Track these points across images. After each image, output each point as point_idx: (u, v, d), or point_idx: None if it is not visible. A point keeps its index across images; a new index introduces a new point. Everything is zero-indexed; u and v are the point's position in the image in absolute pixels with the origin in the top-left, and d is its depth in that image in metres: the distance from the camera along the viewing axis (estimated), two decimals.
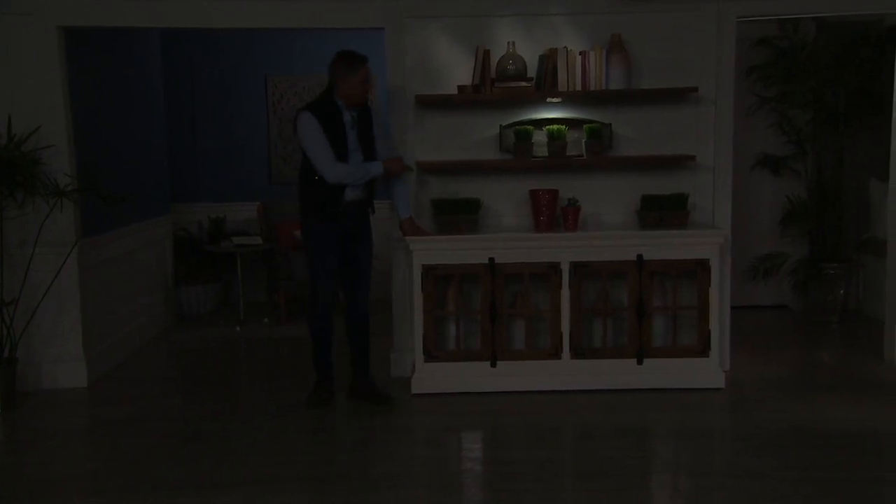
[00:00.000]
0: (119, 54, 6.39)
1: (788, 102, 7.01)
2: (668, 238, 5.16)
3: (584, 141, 5.38)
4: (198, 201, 8.12)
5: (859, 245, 7.09)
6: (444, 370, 5.21)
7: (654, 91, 5.30)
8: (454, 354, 5.27)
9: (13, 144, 5.12)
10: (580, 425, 4.75)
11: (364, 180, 4.89)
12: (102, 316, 5.85)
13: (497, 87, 5.25)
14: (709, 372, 5.20)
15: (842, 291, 6.95)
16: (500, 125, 5.41)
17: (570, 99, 5.35)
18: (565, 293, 5.15)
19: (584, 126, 5.37)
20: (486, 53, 5.23)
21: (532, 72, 5.30)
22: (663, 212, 5.25)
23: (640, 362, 5.19)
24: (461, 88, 5.28)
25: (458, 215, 5.26)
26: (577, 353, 5.19)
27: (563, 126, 5.37)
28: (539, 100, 5.36)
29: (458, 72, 5.37)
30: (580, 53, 5.24)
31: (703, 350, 5.19)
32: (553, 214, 5.26)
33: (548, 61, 5.23)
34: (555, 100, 5.37)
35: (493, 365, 5.19)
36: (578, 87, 5.25)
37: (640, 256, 5.13)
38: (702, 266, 5.15)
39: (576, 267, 5.14)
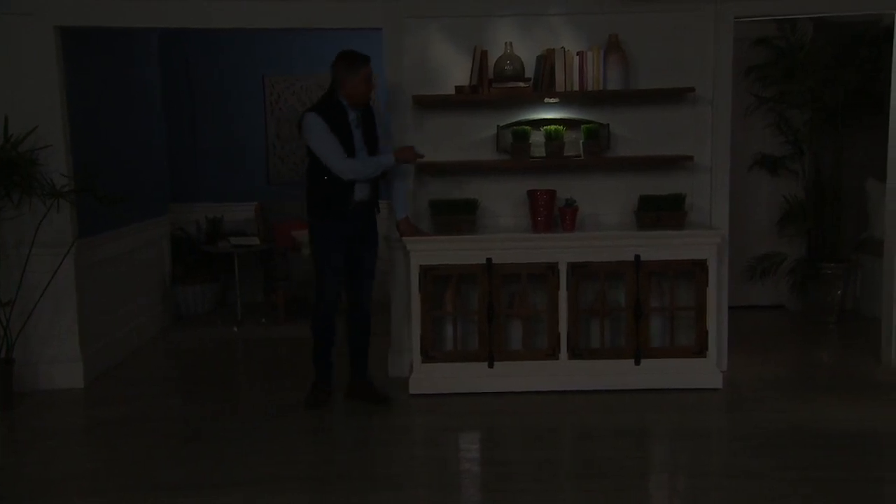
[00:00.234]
0: (117, 54, 6.38)
1: (786, 102, 7.01)
2: (666, 238, 5.16)
3: (581, 141, 5.38)
4: (196, 201, 8.12)
5: (857, 245, 7.09)
6: (441, 371, 5.21)
7: (652, 91, 5.30)
8: (452, 355, 5.27)
9: (10, 145, 5.11)
10: (578, 426, 4.75)
11: (377, 173, 4.91)
12: (99, 316, 5.85)
13: (495, 87, 5.25)
14: (706, 372, 5.20)
15: (839, 291, 6.95)
16: (498, 125, 5.41)
17: (567, 99, 5.35)
18: (563, 293, 5.15)
19: (582, 126, 5.37)
20: (484, 54, 5.23)
21: (530, 72, 5.30)
22: (661, 212, 5.25)
23: (637, 363, 5.19)
24: (459, 89, 5.28)
25: (456, 216, 5.26)
26: (575, 353, 5.19)
27: (561, 126, 5.36)
28: (537, 100, 5.36)
29: (455, 72, 5.37)
30: (578, 54, 5.24)
31: (700, 350, 5.19)
32: (551, 215, 5.26)
33: (545, 62, 5.22)
34: (552, 100, 5.37)
35: (491, 365, 5.19)
36: (576, 88, 5.25)
37: (637, 257, 5.13)
38: (699, 266, 5.15)
39: (573, 267, 5.14)
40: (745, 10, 5.34)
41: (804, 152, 7.10)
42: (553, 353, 5.19)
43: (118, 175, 6.15)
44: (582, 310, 5.24)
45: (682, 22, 5.36)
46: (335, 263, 4.94)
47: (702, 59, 5.36)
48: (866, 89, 6.68)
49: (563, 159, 5.37)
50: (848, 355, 6.12)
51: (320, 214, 4.93)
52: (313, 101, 7.45)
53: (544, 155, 5.38)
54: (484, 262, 5.13)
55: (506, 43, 5.29)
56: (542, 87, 5.25)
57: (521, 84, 5.25)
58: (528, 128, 5.37)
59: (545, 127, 5.38)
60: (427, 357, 5.20)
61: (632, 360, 5.19)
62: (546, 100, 5.36)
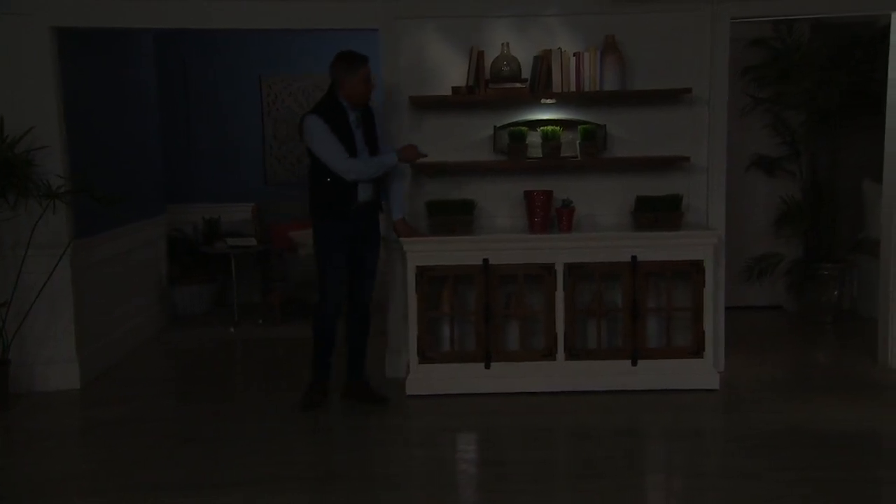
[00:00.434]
0: (113, 55, 6.37)
1: (783, 103, 7.01)
2: (663, 239, 5.16)
3: (578, 142, 5.38)
4: (192, 202, 8.10)
5: (853, 245, 7.09)
6: (438, 371, 5.20)
7: (649, 92, 5.30)
8: (448, 356, 5.27)
9: (6, 145, 5.10)
10: (575, 426, 4.75)
11: (380, 173, 4.92)
12: (96, 317, 5.83)
13: (491, 88, 5.25)
14: (703, 373, 5.20)
15: (836, 292, 6.96)
16: (495, 126, 5.41)
17: (564, 100, 5.35)
18: (559, 294, 5.14)
19: (579, 127, 5.37)
20: (481, 54, 5.23)
21: (526, 73, 5.29)
22: (657, 213, 5.25)
23: (634, 363, 5.19)
24: (455, 89, 5.27)
25: (453, 216, 5.25)
26: (572, 354, 5.19)
27: (558, 127, 5.36)
28: (533, 101, 5.36)
29: (452, 73, 5.36)
30: (574, 54, 5.24)
31: (697, 351, 5.19)
32: (547, 215, 5.26)
33: (542, 62, 5.22)
34: (549, 101, 5.36)
35: (488, 366, 5.18)
36: (573, 89, 5.25)
37: (634, 257, 5.13)
38: (696, 267, 5.15)
39: (570, 268, 5.14)
40: (741, 10, 5.34)
41: (801, 153, 7.10)
42: (550, 354, 5.19)
43: (114, 176, 6.14)
44: (579, 310, 5.24)
45: (679, 23, 5.36)
46: (338, 263, 4.94)
47: (698, 60, 5.36)
48: (862, 90, 6.68)
49: (560, 160, 5.36)
50: (845, 356, 6.12)
51: (323, 215, 4.93)
52: (310, 102, 7.50)
53: (541, 156, 5.38)
54: (481, 262, 5.13)
55: (502, 44, 5.28)
56: (539, 87, 5.24)
57: (518, 85, 5.25)
58: (524, 128, 5.37)
59: (542, 128, 5.38)
60: (424, 358, 5.20)
61: (628, 361, 5.19)
62: (543, 100, 5.36)
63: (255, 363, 6.34)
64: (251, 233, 7.67)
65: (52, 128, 5.31)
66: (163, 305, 7.31)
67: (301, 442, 4.60)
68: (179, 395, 5.61)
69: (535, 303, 5.28)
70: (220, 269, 7.78)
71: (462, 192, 5.45)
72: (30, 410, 5.14)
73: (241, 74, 8.12)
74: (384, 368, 5.60)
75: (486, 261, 5.13)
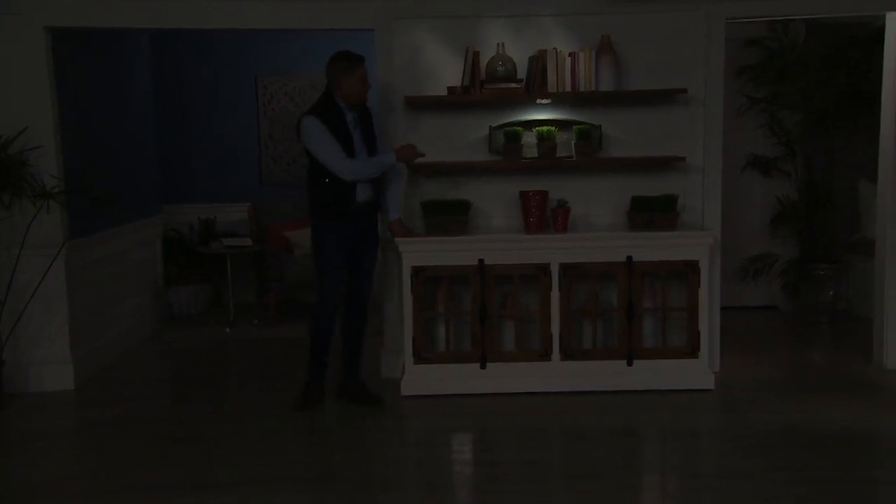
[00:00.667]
0: (108, 55, 6.36)
1: (778, 103, 7.01)
2: (658, 239, 5.16)
3: (573, 142, 5.38)
4: (188, 202, 8.09)
5: (849, 246, 7.10)
6: (433, 372, 5.20)
7: (644, 92, 5.30)
8: (444, 356, 5.26)
9: (0, 146, 5.09)
10: (570, 426, 4.75)
11: (379, 173, 4.91)
12: (90, 317, 5.82)
13: (487, 88, 5.24)
14: (698, 373, 5.20)
15: (832, 292, 6.96)
16: (490, 126, 5.40)
17: (559, 100, 5.35)
18: (555, 294, 5.14)
19: (574, 127, 5.37)
20: (476, 54, 5.22)
21: (522, 73, 5.29)
22: (653, 213, 5.25)
23: (629, 364, 5.19)
24: (451, 90, 5.27)
25: (448, 216, 5.25)
26: (567, 354, 5.19)
27: (553, 127, 5.36)
28: (529, 101, 5.36)
29: (447, 73, 5.35)
30: (570, 55, 5.24)
31: (692, 351, 5.18)
32: (543, 216, 5.26)
33: (537, 62, 5.22)
34: (544, 101, 5.36)
35: (483, 367, 5.18)
36: (568, 89, 5.24)
37: (629, 258, 5.13)
38: (691, 267, 5.14)
39: (565, 268, 5.13)
40: (736, 10, 5.34)
41: (796, 153, 7.10)
42: (545, 354, 5.18)
43: (110, 176, 6.12)
44: (574, 311, 5.23)
45: (675, 23, 5.35)
46: (337, 264, 4.93)
47: (694, 60, 5.36)
48: (858, 90, 6.68)
49: (556, 160, 5.36)
50: (840, 356, 6.12)
51: (322, 215, 4.92)
52: (306, 102, 7.50)
53: (536, 156, 5.37)
54: (476, 263, 5.13)
55: (498, 44, 5.28)
56: (535, 87, 5.24)
57: (514, 85, 5.25)
58: (520, 129, 5.37)
59: (537, 128, 5.37)
60: (419, 358, 5.19)
61: (624, 361, 5.19)
62: (538, 101, 5.35)
63: (251, 363, 6.33)
64: (247, 233, 7.65)
65: (46, 128, 5.30)
66: (158, 306, 7.30)
67: (297, 442, 4.60)
68: (175, 396, 5.60)
69: (531, 303, 5.28)
70: (216, 269, 7.76)
71: (457, 193, 5.44)
72: (24, 411, 5.13)
73: (237, 74, 8.10)
74: (380, 369, 5.59)
75: (481, 261, 5.12)
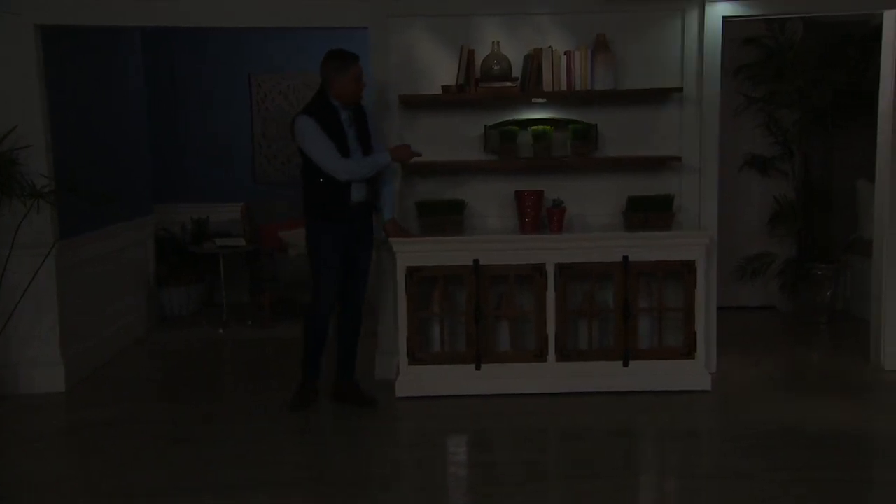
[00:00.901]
0: (99, 53, 6.30)
1: (776, 102, 6.98)
2: (654, 239, 5.13)
3: (569, 141, 5.34)
4: (181, 202, 8.04)
5: (847, 246, 7.07)
6: (428, 373, 5.16)
7: (640, 91, 5.26)
8: (439, 357, 5.22)
9: None
10: (566, 427, 4.71)
11: (373, 173, 4.88)
12: (82, 318, 5.77)
13: (482, 87, 5.20)
14: (695, 374, 5.17)
15: (829, 292, 6.93)
16: (485, 125, 5.36)
17: (555, 99, 5.31)
18: (550, 295, 5.10)
19: (570, 126, 5.33)
20: (471, 53, 5.18)
21: (517, 72, 5.25)
22: (649, 213, 5.22)
23: (625, 364, 5.15)
24: (445, 88, 5.23)
25: (443, 216, 5.21)
26: (563, 355, 5.15)
27: (549, 126, 5.32)
28: (524, 100, 5.32)
29: (442, 72, 5.32)
30: (565, 53, 5.20)
31: (689, 352, 5.15)
32: (538, 216, 5.22)
33: (533, 61, 5.18)
34: (540, 100, 5.32)
35: (478, 367, 5.14)
36: (563, 88, 5.20)
37: (625, 258, 5.10)
38: (688, 267, 5.11)
39: (561, 268, 5.10)
40: (733, 9, 5.30)
41: (794, 152, 7.08)
42: (541, 355, 5.15)
43: (102, 175, 6.07)
44: (570, 311, 5.20)
45: (670, 22, 5.32)
46: (332, 264, 4.89)
47: (690, 59, 5.33)
48: (855, 89, 6.66)
49: (551, 160, 5.32)
50: (838, 356, 6.10)
51: (317, 215, 4.88)
52: (300, 100, 7.46)
53: (532, 155, 5.34)
54: (471, 263, 5.09)
55: (493, 42, 5.24)
56: (530, 86, 5.20)
57: (509, 84, 5.21)
58: (515, 128, 5.33)
59: (533, 127, 5.34)
60: (414, 359, 5.15)
61: (620, 362, 5.15)
62: (533, 100, 5.31)
63: (245, 364, 6.29)
64: (240, 233, 7.61)
65: (36, 127, 5.24)
66: (150, 306, 7.25)
67: (291, 443, 4.57)
68: (168, 397, 5.55)
69: (526, 303, 5.24)
70: (209, 269, 7.73)
71: (452, 192, 5.41)
72: (15, 412, 5.07)
73: (230, 72, 8.06)
74: (374, 370, 5.55)
75: (476, 261, 5.08)
